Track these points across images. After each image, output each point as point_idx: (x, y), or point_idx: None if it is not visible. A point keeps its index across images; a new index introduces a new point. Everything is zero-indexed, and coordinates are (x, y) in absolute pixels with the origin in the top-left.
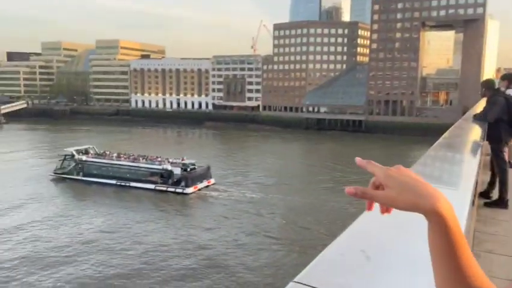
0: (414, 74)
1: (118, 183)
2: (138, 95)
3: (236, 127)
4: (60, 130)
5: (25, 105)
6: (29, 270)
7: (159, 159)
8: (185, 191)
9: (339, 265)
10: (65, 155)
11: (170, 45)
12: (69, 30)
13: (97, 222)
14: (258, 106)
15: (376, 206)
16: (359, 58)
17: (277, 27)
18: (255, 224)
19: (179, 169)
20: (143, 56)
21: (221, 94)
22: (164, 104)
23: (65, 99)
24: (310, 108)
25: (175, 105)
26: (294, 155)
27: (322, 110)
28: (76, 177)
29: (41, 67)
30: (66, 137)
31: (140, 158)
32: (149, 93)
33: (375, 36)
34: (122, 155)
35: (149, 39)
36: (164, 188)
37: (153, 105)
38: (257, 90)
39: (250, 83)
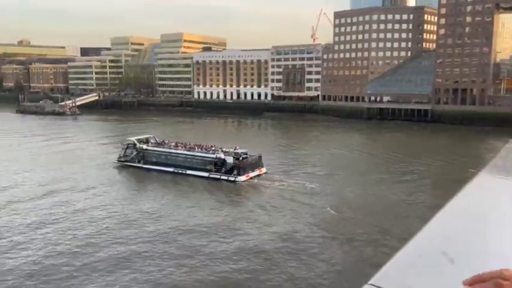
0: (486, 60)
1: (175, 171)
2: (200, 86)
3: (294, 117)
4: (129, 121)
5: (97, 98)
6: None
7: (213, 148)
8: (237, 179)
9: (418, 267)
10: (128, 144)
11: (230, 37)
12: (135, 26)
13: (155, 205)
14: (317, 96)
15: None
16: (425, 45)
17: (338, 15)
18: (310, 215)
19: (232, 158)
20: (205, 49)
21: (280, 84)
22: (225, 95)
23: (132, 91)
24: (372, 98)
25: (235, 96)
26: (354, 145)
27: (385, 99)
28: (137, 165)
29: (111, 61)
30: (133, 127)
31: (196, 147)
32: (211, 85)
33: (443, 21)
34: (179, 145)
35: (210, 31)
36: (217, 176)
37: (214, 96)
38: (316, 80)
39: (310, 73)
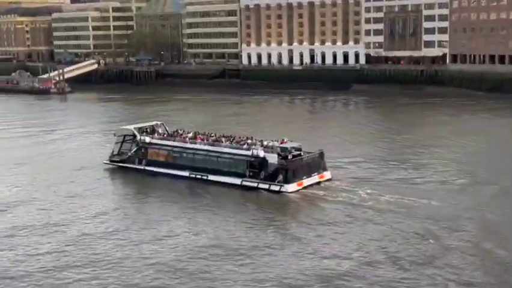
0: None
1: (192, 175)
2: (252, 46)
3: (403, 92)
4: (142, 102)
5: (95, 66)
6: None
7: (249, 141)
8: (283, 189)
9: None
10: (124, 136)
11: None
12: None
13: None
14: (443, 56)
15: None
16: None
17: None
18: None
19: (276, 156)
20: None
21: (380, 39)
22: (291, 59)
23: (148, 56)
24: None
25: (307, 60)
26: (505, 138)
27: None
28: (137, 167)
29: (115, 10)
30: (148, 113)
31: (223, 139)
32: (269, 43)
33: None
34: (199, 136)
35: None
36: (254, 184)
37: (274, 60)
38: (441, 30)
39: (430, 18)
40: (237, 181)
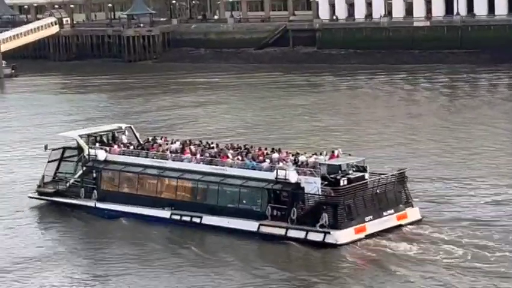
0: None
1: (176, 217)
2: None
3: None
4: (143, 91)
5: (55, 29)
6: None
7: (274, 155)
8: (329, 239)
9: None
10: (63, 149)
11: None
12: None
13: None
14: None
15: None
16: None
17: None
18: None
19: (319, 179)
20: None
21: None
22: (410, 10)
23: (149, 8)
24: None
25: (439, 10)
26: None
27: None
28: (83, 203)
29: None
30: (154, 113)
31: (229, 153)
32: None
33: None
34: (190, 146)
35: None
36: (279, 231)
37: (375, 14)
38: None
39: None
40: (251, 226)
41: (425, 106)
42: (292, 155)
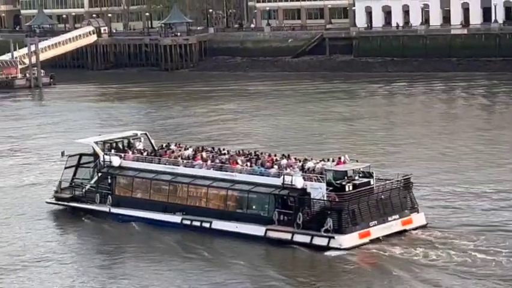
0: None
1: (187, 222)
2: None
3: None
4: (180, 99)
5: (93, 38)
6: None
7: (283, 161)
8: (334, 244)
9: None
10: (80, 155)
11: None
12: None
13: None
14: None
15: None
16: None
17: None
18: None
19: (324, 185)
20: None
21: None
22: (447, 17)
23: (186, 17)
24: None
25: (476, 17)
26: None
27: None
28: (98, 208)
29: None
30: (191, 120)
31: (239, 160)
32: None
33: None
34: (202, 152)
35: None
36: (285, 236)
37: (413, 20)
38: None
39: None
40: (258, 230)
41: (461, 115)
42: (301, 161)
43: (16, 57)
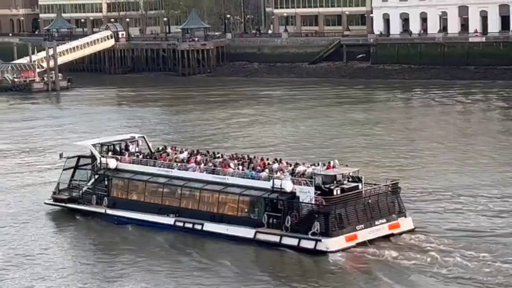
0: None
1: (180, 224)
2: (392, 0)
3: None
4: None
5: (111, 42)
6: None
7: (275, 165)
8: (321, 247)
9: None
10: (78, 157)
11: None
12: None
13: None
14: None
15: None
16: None
17: None
18: None
19: (313, 189)
20: None
21: None
22: (465, 25)
23: (203, 23)
24: None
25: (494, 25)
26: None
27: None
28: (95, 210)
29: None
30: (210, 126)
31: (232, 163)
32: None
33: None
34: (197, 155)
35: None
36: (274, 238)
37: (431, 27)
38: None
39: None
40: (248, 233)
41: (478, 124)
42: (291, 166)
43: (34, 61)
